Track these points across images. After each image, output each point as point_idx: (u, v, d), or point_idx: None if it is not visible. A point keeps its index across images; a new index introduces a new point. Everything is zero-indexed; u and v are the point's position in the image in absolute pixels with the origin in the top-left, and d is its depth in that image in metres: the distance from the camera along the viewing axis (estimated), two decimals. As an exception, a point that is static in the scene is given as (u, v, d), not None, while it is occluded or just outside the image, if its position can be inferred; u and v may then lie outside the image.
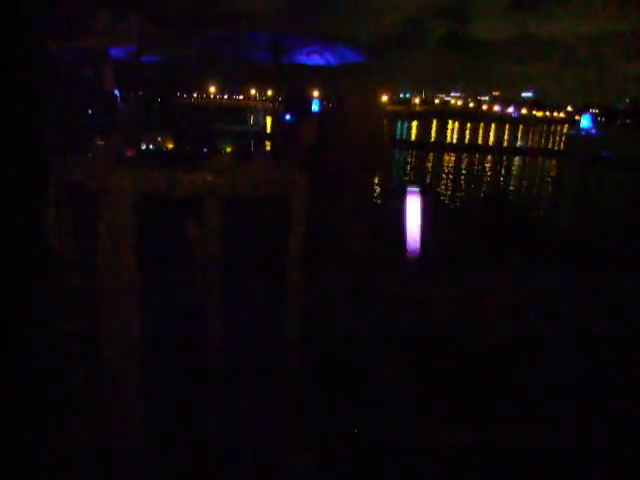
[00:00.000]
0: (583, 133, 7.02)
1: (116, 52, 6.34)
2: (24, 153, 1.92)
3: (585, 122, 7.20)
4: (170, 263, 2.38)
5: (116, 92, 6.64)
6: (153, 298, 1.78)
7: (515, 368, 2.93)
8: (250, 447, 2.02)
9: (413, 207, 3.17)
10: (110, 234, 1.47)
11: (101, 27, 6.07)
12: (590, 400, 2.69)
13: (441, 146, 15.62)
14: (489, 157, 11.06)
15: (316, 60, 7.58)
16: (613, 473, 2.27)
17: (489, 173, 9.92)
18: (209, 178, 1.41)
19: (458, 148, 14.69)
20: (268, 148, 7.44)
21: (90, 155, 1.91)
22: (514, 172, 10.93)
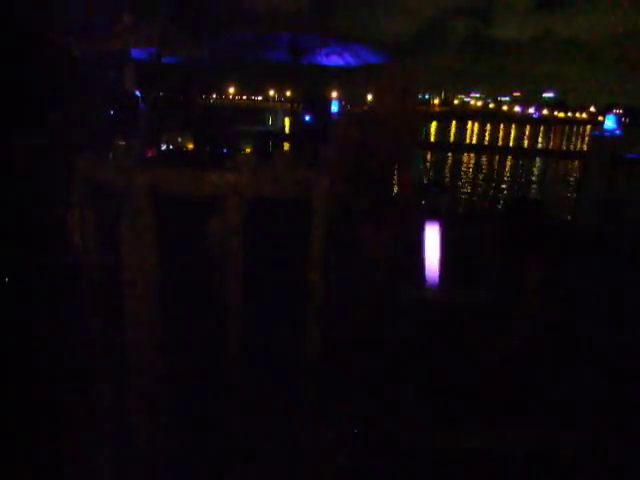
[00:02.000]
0: (607, 134, 6.88)
1: (138, 53, 6.41)
2: (48, 154, 1.94)
3: (609, 123, 7.06)
4: (191, 262, 2.39)
5: (137, 93, 6.72)
6: (173, 297, 1.78)
7: (534, 373, 2.89)
8: (266, 447, 2.01)
9: (432, 239, 3.08)
10: (133, 233, 1.47)
11: (123, 29, 6.15)
12: (609, 408, 2.63)
13: (460, 147, 15.50)
14: (509, 158, 10.93)
15: (335, 61, 7.57)
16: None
17: (509, 175, 9.80)
18: (231, 178, 1.41)
19: (477, 149, 14.56)
20: (286, 149, 7.45)
21: (111, 155, 1.93)
22: (535, 173, 10.77)
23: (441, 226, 3.19)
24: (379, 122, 2.87)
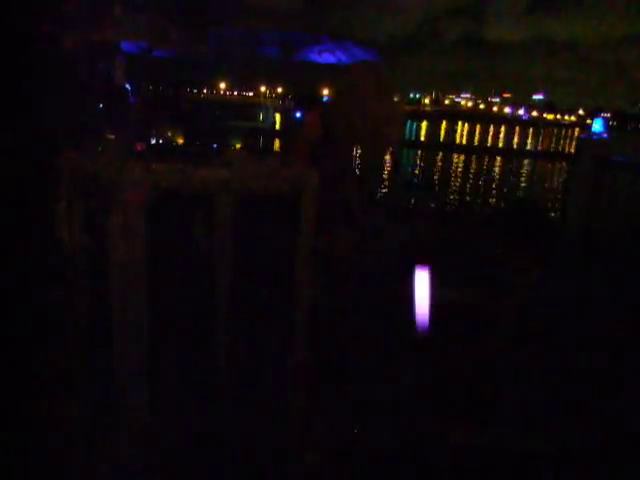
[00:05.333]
0: (595, 137, 6.99)
1: (128, 46, 6.36)
2: (37, 146, 1.92)
3: (597, 126, 7.19)
4: (178, 261, 2.37)
5: (127, 86, 6.66)
6: (160, 296, 1.77)
7: (522, 372, 2.92)
8: (251, 447, 2.01)
9: (422, 284, 3.03)
10: (121, 228, 1.46)
11: (113, 21, 6.09)
12: (593, 405, 2.67)
13: (450, 147, 15.58)
14: (499, 159, 11.04)
15: (328, 58, 7.57)
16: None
17: (499, 176, 9.87)
18: (222, 174, 1.40)
19: (467, 150, 14.64)
20: (277, 145, 7.44)
21: (100, 149, 1.91)
22: (524, 175, 10.86)
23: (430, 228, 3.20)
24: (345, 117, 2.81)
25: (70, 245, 1.53)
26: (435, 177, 9.41)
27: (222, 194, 1.45)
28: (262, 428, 2.01)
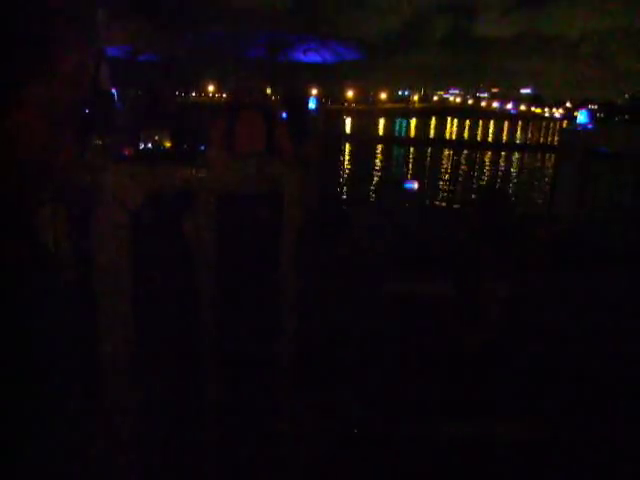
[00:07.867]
0: (579, 128, 7.01)
1: (112, 51, 6.34)
2: (21, 150, 1.93)
3: (581, 117, 7.22)
4: (166, 262, 2.39)
5: (113, 91, 6.64)
6: (147, 297, 1.79)
7: (505, 365, 2.96)
8: (245, 445, 2.03)
9: None
10: (106, 232, 1.49)
11: (98, 26, 6.07)
12: (580, 396, 2.71)
13: (440, 143, 15.63)
14: (488, 153, 11.14)
15: (313, 58, 7.59)
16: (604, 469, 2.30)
17: (486, 169, 9.94)
18: (201, 174, 1.43)
19: (456, 145, 14.72)
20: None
21: (87, 154, 1.92)
22: (512, 167, 10.94)
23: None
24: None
25: (54, 248, 1.55)
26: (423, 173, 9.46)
27: (203, 194, 1.48)
28: (249, 424, 2.04)
